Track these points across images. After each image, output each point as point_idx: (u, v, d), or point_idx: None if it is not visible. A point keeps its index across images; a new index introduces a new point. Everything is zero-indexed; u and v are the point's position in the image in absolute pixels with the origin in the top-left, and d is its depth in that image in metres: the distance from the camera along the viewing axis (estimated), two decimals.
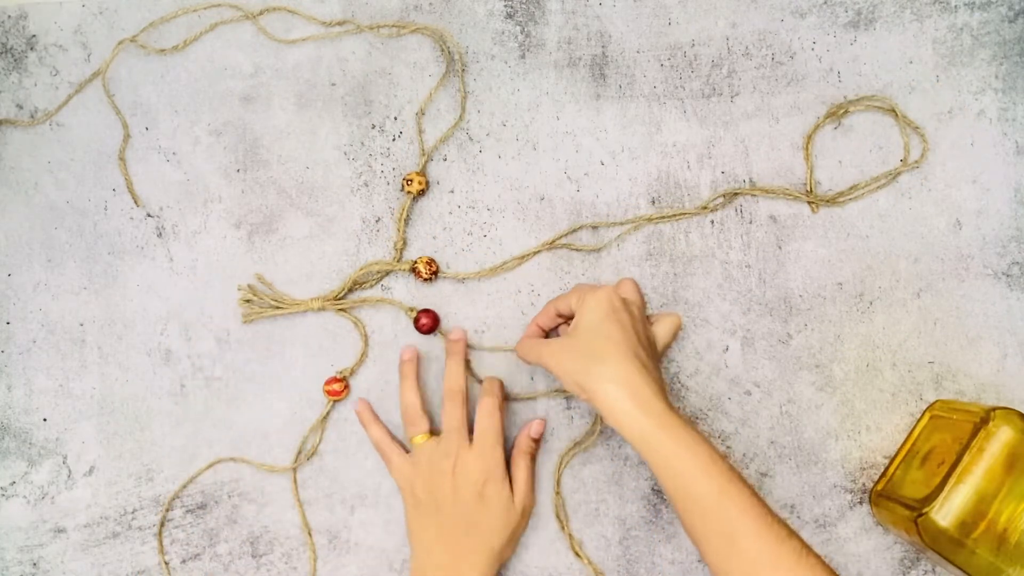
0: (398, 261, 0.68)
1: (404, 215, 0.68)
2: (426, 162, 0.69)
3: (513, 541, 0.64)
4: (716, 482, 0.54)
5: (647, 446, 0.55)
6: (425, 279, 0.68)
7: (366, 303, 0.68)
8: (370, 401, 0.68)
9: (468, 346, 0.68)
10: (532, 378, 0.68)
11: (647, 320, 0.63)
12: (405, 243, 0.69)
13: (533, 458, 0.66)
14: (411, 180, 0.68)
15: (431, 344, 0.68)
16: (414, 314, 0.68)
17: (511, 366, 0.68)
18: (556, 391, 0.68)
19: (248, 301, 0.68)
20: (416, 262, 0.68)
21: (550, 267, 0.69)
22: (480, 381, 0.68)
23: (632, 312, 0.60)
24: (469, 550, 0.61)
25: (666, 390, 0.58)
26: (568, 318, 0.64)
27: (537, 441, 0.67)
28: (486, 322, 0.69)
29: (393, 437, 0.66)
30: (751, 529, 0.53)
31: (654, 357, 0.60)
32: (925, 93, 0.69)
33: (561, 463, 0.67)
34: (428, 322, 0.67)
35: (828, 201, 0.68)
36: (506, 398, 0.68)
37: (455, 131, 0.70)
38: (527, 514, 0.65)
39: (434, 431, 0.65)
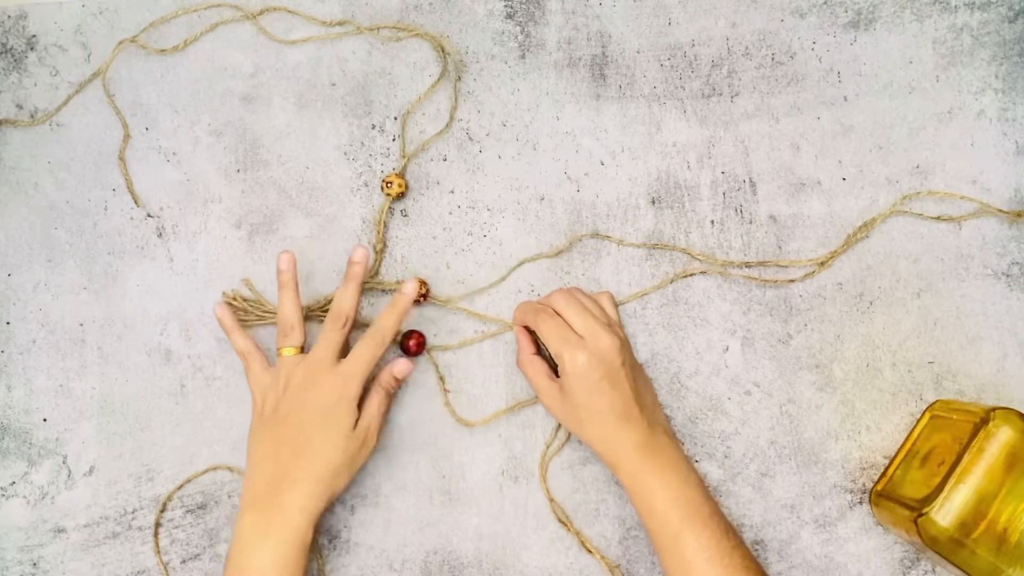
0: (376, 274, 0.68)
1: (383, 217, 0.68)
2: (406, 164, 0.69)
3: (348, 471, 0.63)
4: (672, 527, 0.60)
5: (626, 489, 0.62)
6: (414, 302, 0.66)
7: None
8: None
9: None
10: None
11: (628, 346, 0.66)
12: (385, 246, 0.69)
13: (389, 396, 0.65)
14: (391, 182, 0.68)
15: (419, 367, 0.68)
16: (399, 337, 0.67)
17: (511, 364, 0.68)
18: None
19: (230, 303, 0.68)
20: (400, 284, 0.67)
21: (550, 267, 0.69)
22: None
23: (613, 364, 0.61)
24: (300, 468, 0.61)
25: (657, 410, 0.65)
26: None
27: (399, 381, 0.66)
28: (486, 322, 0.69)
29: (258, 347, 0.65)
30: (703, 568, 0.59)
31: (638, 388, 0.63)
32: (925, 93, 0.69)
33: (542, 466, 0.67)
34: (415, 344, 0.67)
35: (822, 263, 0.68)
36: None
37: (449, 134, 0.69)
38: (368, 447, 0.63)
39: (305, 348, 0.64)
